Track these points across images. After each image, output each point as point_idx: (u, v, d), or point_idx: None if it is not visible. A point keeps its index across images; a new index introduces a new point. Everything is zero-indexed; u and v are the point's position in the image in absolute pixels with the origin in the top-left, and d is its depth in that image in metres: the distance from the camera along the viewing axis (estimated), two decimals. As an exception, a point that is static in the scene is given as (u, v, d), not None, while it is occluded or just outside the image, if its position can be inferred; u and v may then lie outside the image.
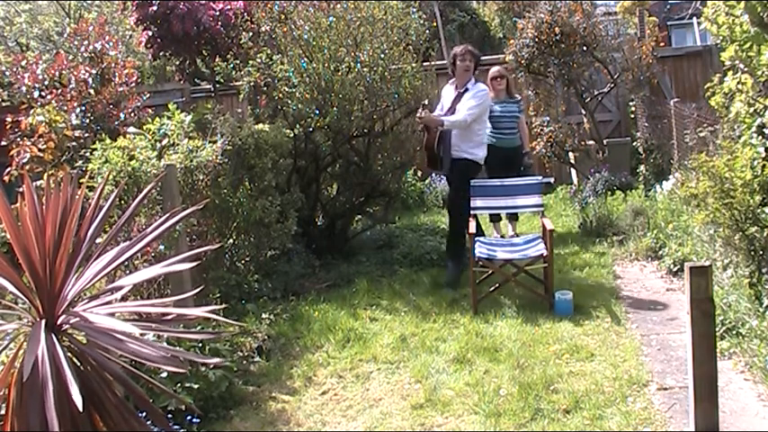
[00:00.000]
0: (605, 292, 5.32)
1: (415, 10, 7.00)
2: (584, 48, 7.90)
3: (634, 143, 8.71)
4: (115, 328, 2.29)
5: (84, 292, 2.54)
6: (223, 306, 4.19)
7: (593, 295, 5.25)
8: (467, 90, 5.80)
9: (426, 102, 5.86)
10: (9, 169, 5.22)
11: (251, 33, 6.94)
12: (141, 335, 2.35)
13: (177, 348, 3.31)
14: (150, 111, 6.30)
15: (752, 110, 4.17)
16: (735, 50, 4.17)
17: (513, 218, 7.05)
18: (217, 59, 7.24)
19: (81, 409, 2.00)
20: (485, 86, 5.96)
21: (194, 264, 2.69)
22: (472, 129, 5.78)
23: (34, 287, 2.37)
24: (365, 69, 6.22)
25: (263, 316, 4.82)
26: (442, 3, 14.16)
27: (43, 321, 2.32)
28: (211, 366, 3.69)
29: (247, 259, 5.55)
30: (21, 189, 2.98)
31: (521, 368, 4.01)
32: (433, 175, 9.57)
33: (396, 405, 3.73)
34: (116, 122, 5.99)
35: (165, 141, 4.94)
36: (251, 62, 6.48)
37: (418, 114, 5.73)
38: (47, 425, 2.03)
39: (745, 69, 4.19)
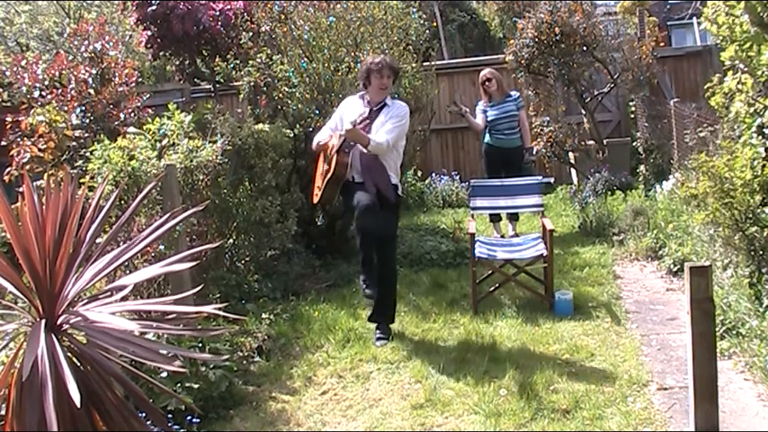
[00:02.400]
0: (605, 291, 5.32)
1: (415, 10, 7.01)
2: (585, 48, 7.90)
3: (634, 143, 8.71)
4: (115, 328, 2.29)
5: (84, 292, 2.54)
6: (224, 305, 4.19)
7: (593, 295, 5.25)
8: (383, 106, 4.59)
9: (363, 114, 4.51)
10: (9, 169, 5.23)
11: (251, 33, 6.94)
12: (141, 334, 2.36)
13: (177, 348, 3.31)
14: (150, 111, 6.31)
15: (752, 110, 4.17)
16: (735, 50, 4.17)
17: (513, 218, 7.05)
18: (217, 59, 7.24)
19: (78, 406, 2.00)
20: (404, 104, 4.79)
21: (194, 263, 2.69)
22: (393, 154, 4.61)
23: (34, 287, 2.37)
24: (365, 69, 6.21)
25: (263, 316, 4.82)
26: (442, 3, 14.17)
27: (43, 321, 2.32)
28: (211, 366, 3.69)
29: (247, 259, 5.55)
30: (21, 189, 2.97)
31: (521, 368, 4.01)
32: (433, 175, 9.57)
33: (396, 405, 3.73)
34: (116, 122, 6.00)
35: (165, 141, 4.94)
36: (251, 62, 6.48)
37: (347, 127, 4.36)
38: (46, 425, 2.03)
39: (745, 69, 4.19)
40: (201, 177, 5.01)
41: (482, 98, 7.01)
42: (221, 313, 2.58)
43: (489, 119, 6.92)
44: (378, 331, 4.62)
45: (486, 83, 6.88)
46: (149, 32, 8.10)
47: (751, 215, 4.20)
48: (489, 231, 7.06)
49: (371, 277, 4.60)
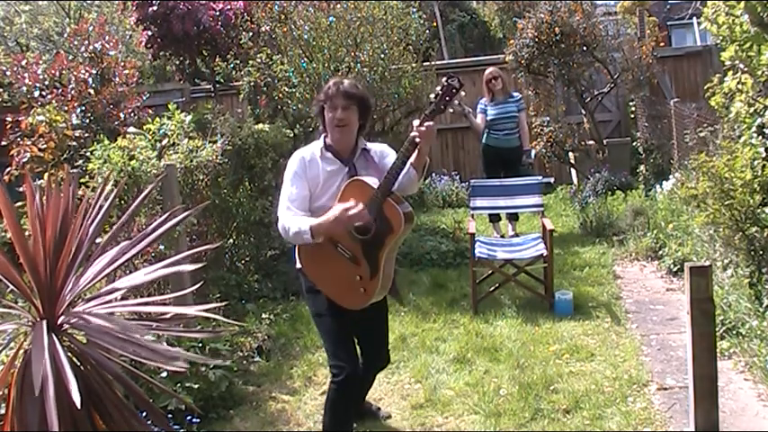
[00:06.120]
0: (605, 291, 5.32)
1: (415, 10, 7.01)
2: (584, 48, 7.90)
3: (634, 143, 8.71)
4: (115, 328, 2.29)
5: (85, 292, 2.54)
6: (223, 304, 4.20)
7: (593, 295, 5.25)
8: (365, 154, 3.13)
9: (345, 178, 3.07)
10: (9, 169, 5.22)
11: (251, 33, 6.95)
12: (141, 334, 2.35)
13: (177, 348, 3.30)
14: (150, 111, 6.31)
15: (752, 110, 4.17)
16: (735, 50, 4.17)
17: (513, 218, 7.05)
18: (217, 59, 7.25)
19: (79, 406, 2.00)
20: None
21: (200, 266, 2.68)
22: None
23: (35, 287, 2.37)
24: (365, 69, 6.22)
25: (263, 316, 4.83)
26: (442, 3, 14.17)
27: (44, 321, 2.31)
28: (211, 366, 3.69)
29: (247, 259, 5.55)
30: (21, 189, 2.98)
31: (521, 368, 4.01)
32: (433, 175, 9.55)
33: (396, 405, 3.73)
34: (116, 122, 5.99)
35: (165, 141, 4.94)
36: (251, 62, 6.49)
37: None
38: (47, 425, 2.03)
39: (745, 69, 4.19)
40: (201, 177, 5.01)
41: (485, 96, 7.00)
42: (220, 318, 2.58)
43: (489, 117, 6.91)
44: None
45: (492, 81, 6.87)
46: (149, 32, 8.11)
47: (751, 215, 4.20)
48: (489, 231, 7.06)
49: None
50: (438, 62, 9.57)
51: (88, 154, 4.74)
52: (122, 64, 6.44)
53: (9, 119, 5.54)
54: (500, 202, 5.75)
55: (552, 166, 8.93)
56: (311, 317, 3.24)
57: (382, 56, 6.39)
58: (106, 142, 4.65)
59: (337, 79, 3.12)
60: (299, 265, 3.13)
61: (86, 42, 6.42)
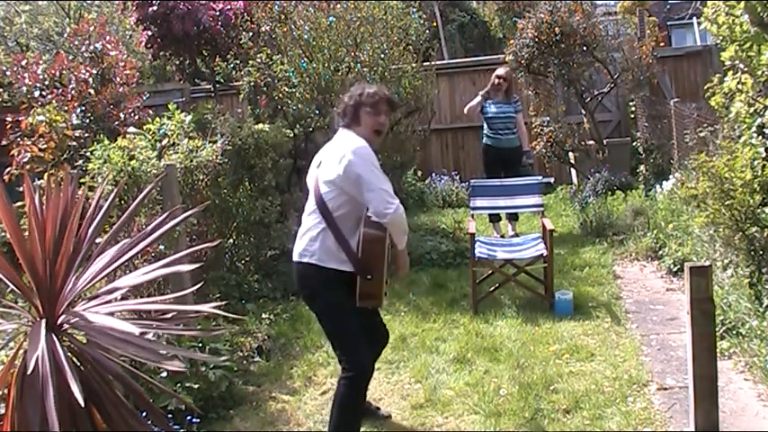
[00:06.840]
0: (605, 291, 5.32)
1: (415, 10, 7.02)
2: (584, 48, 7.89)
3: (634, 143, 8.71)
4: (115, 328, 2.29)
5: (84, 292, 2.54)
6: (224, 303, 4.19)
7: (593, 295, 5.25)
8: None
9: None
10: (9, 169, 5.23)
11: (251, 33, 6.95)
12: (141, 334, 2.35)
13: (177, 348, 3.30)
14: (150, 111, 6.31)
15: (752, 110, 4.17)
16: (735, 50, 4.17)
17: (513, 218, 7.05)
18: (217, 59, 7.25)
19: (82, 405, 2.00)
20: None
21: (198, 265, 2.69)
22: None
23: (34, 287, 2.37)
24: (365, 69, 6.23)
25: (263, 316, 4.83)
26: (442, 3, 14.17)
27: (43, 321, 2.32)
28: (211, 366, 3.69)
29: (247, 259, 5.55)
30: (21, 189, 2.98)
31: (521, 368, 4.01)
32: (433, 175, 9.55)
33: (396, 405, 3.73)
34: (116, 122, 6.00)
35: (165, 141, 4.94)
36: (251, 62, 6.49)
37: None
38: (47, 424, 2.03)
39: (745, 69, 4.19)
40: (201, 177, 5.01)
41: (489, 92, 7.00)
42: (221, 313, 2.58)
43: (488, 115, 6.93)
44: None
45: (501, 81, 6.89)
46: (149, 32, 8.10)
47: (751, 215, 4.20)
48: (489, 231, 7.06)
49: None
50: (438, 62, 9.57)
51: (88, 154, 4.75)
52: (122, 64, 6.44)
53: (9, 119, 5.54)
54: (500, 202, 5.75)
55: (552, 166, 8.92)
56: (332, 309, 3.15)
57: (382, 56, 6.40)
58: (106, 142, 4.66)
59: (376, 86, 3.33)
60: (341, 260, 3.11)
61: (87, 42, 6.43)
